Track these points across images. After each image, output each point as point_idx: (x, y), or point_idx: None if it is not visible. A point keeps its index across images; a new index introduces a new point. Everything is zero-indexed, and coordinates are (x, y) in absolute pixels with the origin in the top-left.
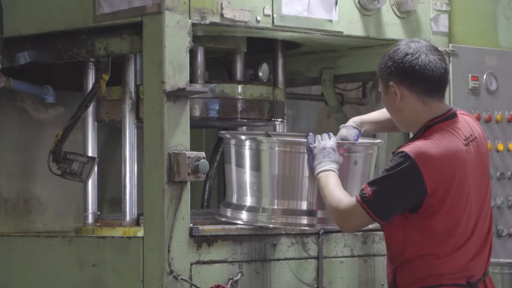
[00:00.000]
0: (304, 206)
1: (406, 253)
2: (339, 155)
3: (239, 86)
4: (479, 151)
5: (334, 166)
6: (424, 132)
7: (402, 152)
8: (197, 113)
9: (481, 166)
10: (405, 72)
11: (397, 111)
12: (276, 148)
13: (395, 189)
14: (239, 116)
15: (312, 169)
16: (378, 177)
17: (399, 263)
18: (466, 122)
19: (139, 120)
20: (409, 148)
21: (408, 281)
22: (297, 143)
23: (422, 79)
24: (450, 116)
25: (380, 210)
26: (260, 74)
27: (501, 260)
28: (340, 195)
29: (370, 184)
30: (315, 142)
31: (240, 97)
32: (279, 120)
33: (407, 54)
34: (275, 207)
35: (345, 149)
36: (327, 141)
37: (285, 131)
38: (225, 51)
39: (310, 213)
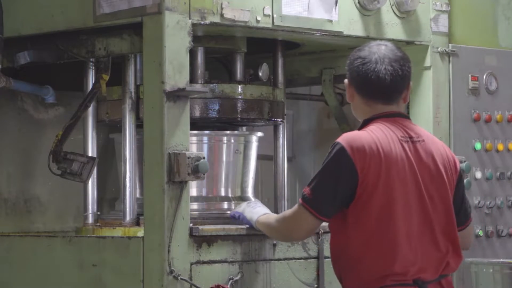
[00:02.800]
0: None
1: (347, 254)
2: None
3: (239, 86)
4: (426, 154)
5: (265, 210)
6: (362, 126)
7: (333, 143)
8: (197, 113)
9: (429, 169)
10: (355, 75)
11: (351, 104)
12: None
13: (330, 179)
14: (239, 116)
15: (251, 226)
16: (314, 175)
17: (343, 265)
18: (415, 127)
19: (139, 120)
20: (338, 139)
21: (354, 284)
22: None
23: (367, 85)
24: (389, 115)
25: (320, 205)
26: (260, 74)
27: (501, 260)
28: (278, 214)
29: (308, 184)
30: (239, 208)
31: (240, 97)
32: (279, 120)
33: (364, 62)
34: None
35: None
36: (246, 203)
37: (285, 131)
38: (225, 51)
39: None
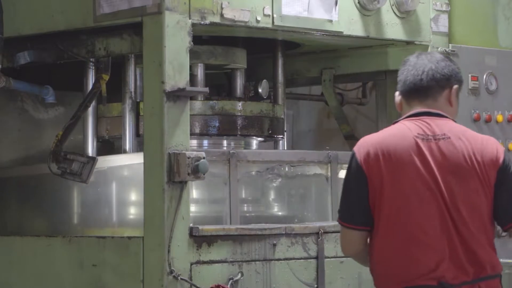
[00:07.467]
0: None
1: (372, 259)
2: None
3: (239, 103)
4: (452, 151)
5: None
6: None
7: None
8: (197, 130)
9: (453, 166)
10: (398, 77)
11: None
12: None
13: (349, 187)
14: (239, 133)
15: None
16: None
17: (370, 269)
18: (445, 124)
19: (138, 137)
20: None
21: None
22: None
23: (404, 85)
24: (417, 114)
25: (350, 215)
26: (260, 91)
27: (501, 260)
28: None
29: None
30: None
31: (240, 113)
32: (279, 136)
33: (404, 64)
34: None
35: None
36: None
37: (285, 145)
38: (225, 68)
39: None
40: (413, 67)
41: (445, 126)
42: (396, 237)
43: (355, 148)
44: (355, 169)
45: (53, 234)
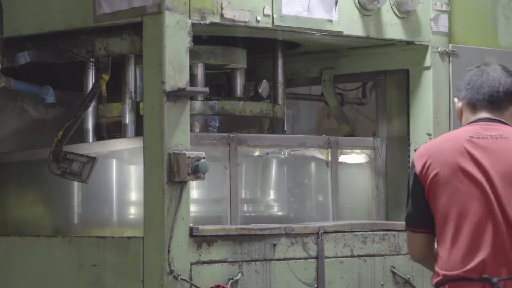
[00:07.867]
0: None
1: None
2: None
3: (239, 103)
4: (507, 149)
5: None
6: None
7: None
8: (197, 130)
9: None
10: (466, 85)
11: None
12: None
13: (411, 192)
14: (239, 133)
15: None
16: None
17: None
18: (503, 128)
19: (139, 136)
20: None
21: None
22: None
23: (466, 93)
24: (477, 120)
25: (410, 219)
26: (260, 91)
27: None
28: None
29: None
30: None
31: (240, 113)
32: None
33: (469, 71)
34: None
35: None
36: None
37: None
38: (225, 68)
39: None
40: (487, 78)
41: (504, 130)
42: (445, 232)
43: (414, 158)
44: (414, 179)
45: (53, 225)
